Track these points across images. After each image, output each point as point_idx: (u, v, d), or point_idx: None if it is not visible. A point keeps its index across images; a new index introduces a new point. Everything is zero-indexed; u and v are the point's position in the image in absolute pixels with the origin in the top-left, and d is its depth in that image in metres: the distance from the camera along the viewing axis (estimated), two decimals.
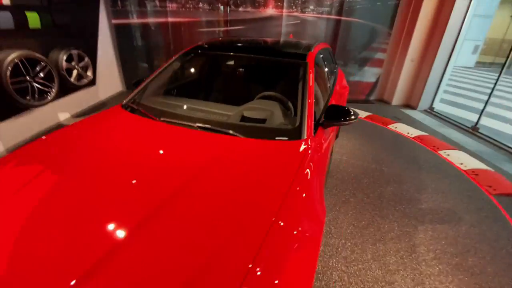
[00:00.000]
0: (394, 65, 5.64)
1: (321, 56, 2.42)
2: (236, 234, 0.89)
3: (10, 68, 2.75)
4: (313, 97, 1.71)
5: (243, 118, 1.68)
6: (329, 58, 3.11)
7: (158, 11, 5.17)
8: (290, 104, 1.88)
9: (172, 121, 1.57)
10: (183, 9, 5.11)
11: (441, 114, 5.24)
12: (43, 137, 1.48)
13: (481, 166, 3.28)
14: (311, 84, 1.76)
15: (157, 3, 5.05)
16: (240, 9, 5.14)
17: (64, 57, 3.60)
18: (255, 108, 1.76)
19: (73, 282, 0.72)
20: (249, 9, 5.14)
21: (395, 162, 3.28)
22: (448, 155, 3.51)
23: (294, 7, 5.15)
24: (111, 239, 0.86)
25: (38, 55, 3.09)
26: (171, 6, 5.07)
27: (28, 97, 3.05)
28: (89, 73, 4.18)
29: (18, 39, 3.08)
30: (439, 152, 3.60)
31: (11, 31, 2.99)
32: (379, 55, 5.66)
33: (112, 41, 5.19)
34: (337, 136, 3.50)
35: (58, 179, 1.15)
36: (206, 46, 2.21)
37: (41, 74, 3.18)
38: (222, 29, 5.32)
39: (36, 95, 3.16)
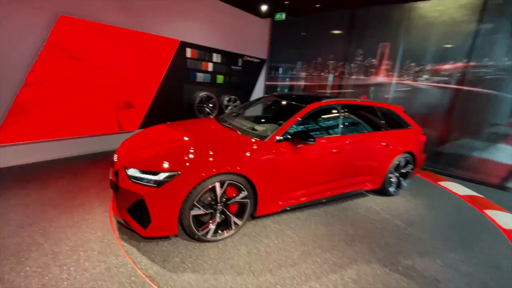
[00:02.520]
0: None
1: (341, 108, 3.20)
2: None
3: (198, 99, 5.64)
4: (289, 125, 2.73)
5: (252, 128, 3.00)
6: (374, 116, 3.59)
7: (295, 77, 7.34)
8: None
9: (223, 124, 3.20)
10: (310, 76, 6.94)
11: None
12: (177, 121, 3.59)
13: None
14: (293, 117, 2.79)
15: (294, 72, 7.24)
16: (353, 76, 6.21)
17: (226, 99, 6.39)
18: (263, 126, 3.01)
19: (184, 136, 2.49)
20: (361, 77, 6.10)
21: (434, 233, 2.97)
22: None
23: (406, 75, 5.51)
24: (182, 137, 2.59)
25: (212, 95, 5.95)
26: (302, 74, 7.08)
27: (201, 115, 5.88)
28: None
29: (209, 87, 6.08)
30: None
31: (208, 83, 6.03)
32: None
33: (262, 94, 7.91)
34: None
35: (178, 129, 3.10)
36: (271, 94, 3.74)
37: (211, 105, 5.99)
38: (336, 91, 6.56)
39: (205, 115, 5.96)
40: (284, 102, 3.49)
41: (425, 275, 2.24)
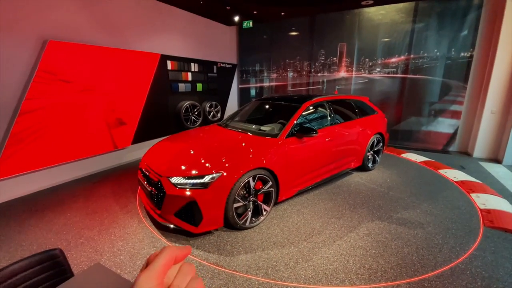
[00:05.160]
0: (474, 117, 5.56)
1: (327, 103, 3.86)
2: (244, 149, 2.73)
3: (184, 108, 5.86)
4: (293, 122, 3.27)
5: (259, 129, 3.46)
6: (349, 107, 4.35)
7: (266, 78, 7.93)
8: None
9: (230, 127, 3.59)
10: (280, 76, 7.60)
11: None
12: (183, 132, 3.87)
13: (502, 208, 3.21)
14: (294, 116, 3.34)
15: (265, 74, 7.83)
16: (319, 74, 7.03)
17: (208, 105, 6.68)
18: (267, 126, 3.50)
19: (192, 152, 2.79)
20: (325, 73, 6.94)
21: (409, 192, 3.80)
22: (478, 197, 3.56)
23: (362, 69, 6.49)
24: (203, 144, 2.91)
25: (196, 103, 6.20)
26: (273, 75, 7.70)
27: (188, 123, 6.10)
28: (219, 114, 7.16)
29: (191, 96, 6.31)
30: (471, 194, 3.68)
31: (189, 92, 6.25)
32: (455, 107, 5.76)
33: (237, 97, 8.34)
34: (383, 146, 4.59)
35: (192, 138, 3.39)
36: (261, 97, 4.23)
37: (196, 112, 6.24)
38: (304, 88, 7.33)
39: (192, 123, 6.19)
40: (278, 104, 4.02)
41: (412, 222, 2.99)
